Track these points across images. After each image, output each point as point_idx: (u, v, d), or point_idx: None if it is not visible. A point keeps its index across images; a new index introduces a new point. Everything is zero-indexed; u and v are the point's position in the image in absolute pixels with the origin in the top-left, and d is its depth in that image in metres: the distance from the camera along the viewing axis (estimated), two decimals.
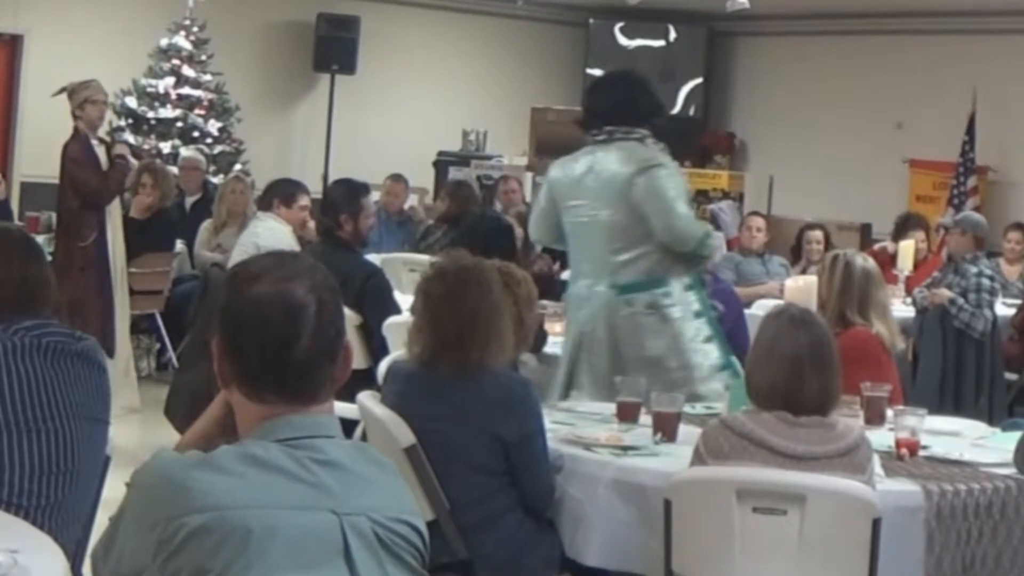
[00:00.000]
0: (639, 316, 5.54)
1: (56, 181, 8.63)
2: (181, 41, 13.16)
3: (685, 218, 5.53)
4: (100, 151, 8.49)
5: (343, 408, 3.93)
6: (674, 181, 5.60)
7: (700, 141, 15.87)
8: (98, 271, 8.37)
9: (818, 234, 10.24)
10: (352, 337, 6.20)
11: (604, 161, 5.58)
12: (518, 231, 9.13)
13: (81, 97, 8.34)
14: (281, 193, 7.81)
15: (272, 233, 7.42)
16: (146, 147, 12.65)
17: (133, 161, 8.93)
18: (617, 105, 5.65)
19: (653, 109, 5.73)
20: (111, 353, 8.34)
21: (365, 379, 5.36)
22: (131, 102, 12.82)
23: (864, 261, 5.37)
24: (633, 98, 5.67)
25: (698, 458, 3.86)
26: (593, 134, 5.66)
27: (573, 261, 5.83)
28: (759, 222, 10.43)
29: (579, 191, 5.62)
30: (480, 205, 10.40)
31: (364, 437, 4.60)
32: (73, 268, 8.26)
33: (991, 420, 6.57)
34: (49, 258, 6.81)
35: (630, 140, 5.59)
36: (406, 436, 4.20)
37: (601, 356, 5.57)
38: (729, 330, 6.93)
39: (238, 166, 12.98)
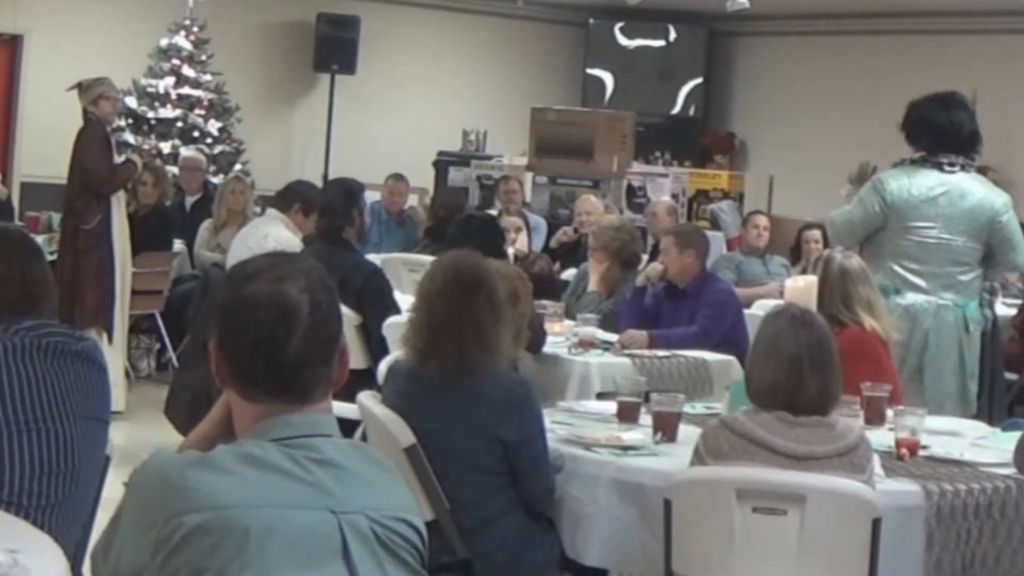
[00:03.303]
0: (975, 333, 6.17)
1: (56, 181, 8.66)
2: (181, 41, 13.16)
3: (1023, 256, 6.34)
4: (112, 141, 8.61)
5: (343, 408, 3.93)
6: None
7: (700, 141, 15.88)
8: (99, 255, 8.43)
9: (816, 234, 10.20)
10: (352, 337, 6.24)
11: (958, 190, 6.04)
12: (521, 226, 9.15)
13: (95, 93, 8.42)
14: (305, 199, 7.68)
15: (282, 246, 7.31)
16: (146, 147, 12.65)
17: (138, 166, 9.04)
18: (974, 133, 6.16)
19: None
20: (110, 334, 8.38)
21: (365, 379, 5.37)
22: (131, 102, 12.81)
23: (845, 259, 5.37)
24: (978, 129, 6.19)
25: (698, 458, 3.86)
26: (944, 163, 6.07)
27: (906, 274, 6.06)
28: (764, 221, 10.38)
29: (930, 211, 6.02)
30: (462, 208, 10.29)
31: (364, 437, 4.60)
32: (76, 250, 8.34)
33: (991, 420, 6.56)
34: (50, 258, 6.84)
35: (973, 171, 6.15)
36: (406, 436, 4.20)
37: (946, 370, 6.07)
38: (729, 330, 6.95)
39: (238, 166, 12.98)
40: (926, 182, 6.08)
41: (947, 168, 6.10)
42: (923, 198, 6.05)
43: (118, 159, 8.90)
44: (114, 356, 8.35)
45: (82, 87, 8.47)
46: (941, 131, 6.14)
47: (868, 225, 6.12)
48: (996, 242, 6.13)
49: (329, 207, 6.85)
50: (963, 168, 6.14)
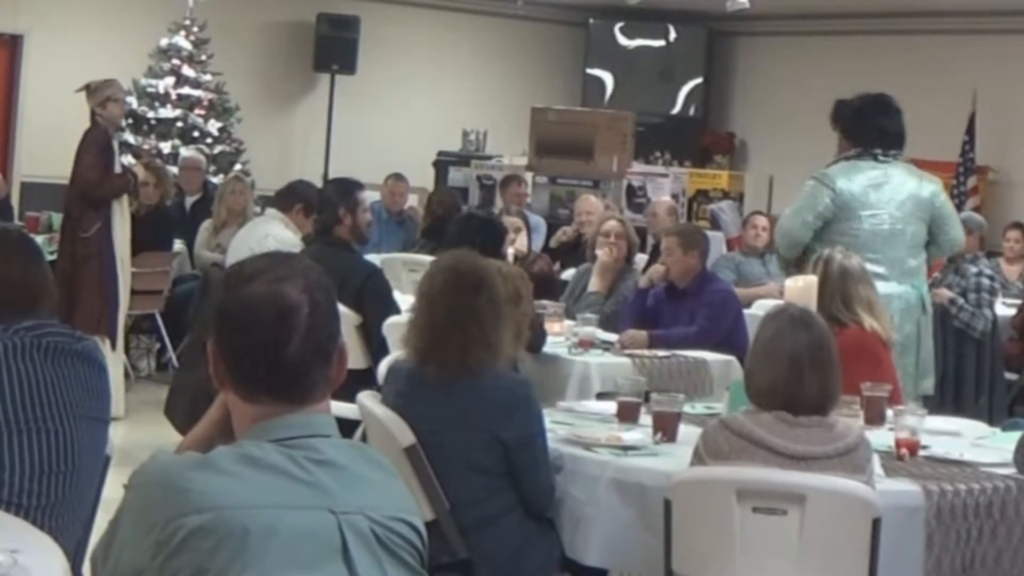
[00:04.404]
0: (930, 313, 6.41)
1: (56, 181, 8.64)
2: (181, 41, 13.16)
3: (962, 233, 6.63)
4: (116, 147, 8.56)
5: (343, 408, 3.94)
6: None
7: (700, 141, 15.87)
8: (100, 262, 8.38)
9: None
10: (351, 337, 6.23)
11: (897, 176, 6.26)
12: (521, 226, 9.12)
13: (103, 95, 8.39)
14: (306, 199, 7.65)
15: (282, 246, 7.30)
16: (146, 147, 12.65)
17: (138, 178, 9.02)
18: (901, 131, 6.33)
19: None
20: (113, 340, 8.36)
21: (365, 379, 5.36)
22: (131, 102, 12.79)
23: (845, 258, 5.37)
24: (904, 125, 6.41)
25: (698, 458, 3.86)
26: (878, 153, 6.25)
27: (867, 264, 6.03)
28: (763, 221, 10.39)
29: (877, 198, 6.19)
30: (458, 207, 10.27)
31: (364, 437, 4.60)
32: (75, 257, 8.30)
33: (991, 420, 6.57)
34: (50, 258, 6.83)
35: (902, 160, 6.35)
36: (406, 436, 4.20)
37: (912, 354, 6.22)
38: (729, 330, 6.95)
39: (238, 166, 12.98)
40: (867, 172, 6.23)
41: (881, 158, 6.25)
42: (868, 185, 6.19)
43: (124, 162, 8.86)
44: (115, 362, 8.35)
45: (90, 89, 8.44)
46: (885, 132, 6.31)
47: (820, 217, 6.21)
48: (937, 220, 6.31)
49: (321, 206, 6.86)
50: (894, 158, 6.33)
